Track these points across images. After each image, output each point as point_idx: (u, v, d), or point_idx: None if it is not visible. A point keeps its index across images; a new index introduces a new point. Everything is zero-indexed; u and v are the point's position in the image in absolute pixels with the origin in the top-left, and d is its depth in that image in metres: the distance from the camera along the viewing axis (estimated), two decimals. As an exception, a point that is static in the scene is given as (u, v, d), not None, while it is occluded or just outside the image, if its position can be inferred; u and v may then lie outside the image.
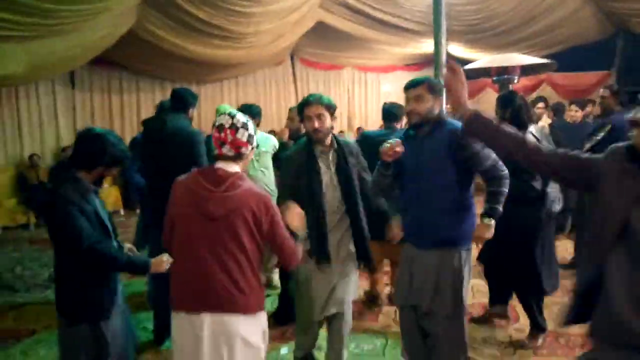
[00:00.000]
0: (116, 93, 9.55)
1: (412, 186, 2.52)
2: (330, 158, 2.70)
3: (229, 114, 2.02)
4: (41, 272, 5.36)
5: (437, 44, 4.30)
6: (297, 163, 2.71)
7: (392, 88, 13.06)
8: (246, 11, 7.33)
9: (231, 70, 10.18)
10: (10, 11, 5.18)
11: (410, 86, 2.50)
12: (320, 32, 9.81)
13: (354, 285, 2.84)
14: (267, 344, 2.13)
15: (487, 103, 9.35)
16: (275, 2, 7.50)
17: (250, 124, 2.04)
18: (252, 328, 2.03)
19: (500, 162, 2.43)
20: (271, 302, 4.09)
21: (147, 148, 3.51)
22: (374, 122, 12.79)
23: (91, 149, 2.21)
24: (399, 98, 11.89)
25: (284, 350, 3.37)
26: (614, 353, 1.54)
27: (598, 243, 1.59)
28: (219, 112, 4.84)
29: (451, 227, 2.44)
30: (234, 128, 1.98)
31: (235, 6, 7.08)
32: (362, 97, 12.84)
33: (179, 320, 2.02)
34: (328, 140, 2.69)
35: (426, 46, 9.71)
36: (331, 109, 2.67)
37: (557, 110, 6.53)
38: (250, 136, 2.02)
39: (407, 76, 13.25)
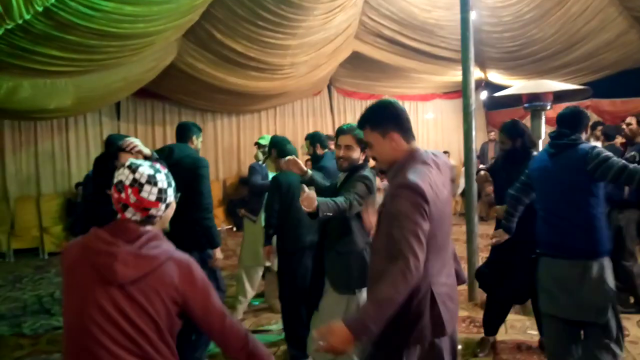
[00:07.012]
0: (159, 124, 9.91)
1: None
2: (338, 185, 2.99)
3: (129, 167, 1.57)
4: (78, 296, 5.51)
5: (466, 72, 4.25)
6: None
7: (432, 116, 12.97)
8: (282, 43, 7.49)
9: (269, 101, 10.38)
10: (60, 49, 5.50)
11: None
12: (357, 62, 9.89)
13: None
14: None
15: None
16: (311, 34, 7.64)
17: (163, 175, 1.61)
18: None
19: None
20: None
21: None
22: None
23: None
24: (440, 126, 11.71)
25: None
26: None
27: None
28: (262, 142, 5.01)
29: None
30: (137, 185, 1.54)
31: (271, 39, 7.26)
32: (401, 125, 12.77)
33: None
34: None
35: (464, 74, 9.63)
36: (362, 141, 2.72)
37: (607, 135, 6.30)
38: (161, 191, 1.57)
39: (447, 104, 13.16)
